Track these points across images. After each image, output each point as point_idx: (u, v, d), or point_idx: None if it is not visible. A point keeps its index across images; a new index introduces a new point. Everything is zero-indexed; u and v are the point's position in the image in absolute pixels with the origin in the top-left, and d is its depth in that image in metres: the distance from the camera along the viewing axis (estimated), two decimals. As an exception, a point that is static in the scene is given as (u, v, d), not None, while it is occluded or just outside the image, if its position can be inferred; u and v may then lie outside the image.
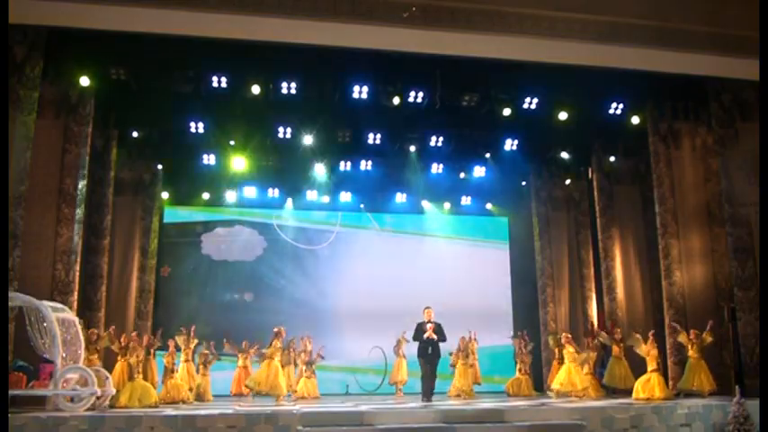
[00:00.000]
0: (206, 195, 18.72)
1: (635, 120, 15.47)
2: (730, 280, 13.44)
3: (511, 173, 18.82)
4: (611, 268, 16.75)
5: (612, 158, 17.13)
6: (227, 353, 15.32)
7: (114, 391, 11.33)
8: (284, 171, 18.10)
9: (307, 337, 15.42)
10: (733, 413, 10.34)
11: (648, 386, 12.72)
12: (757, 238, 12.65)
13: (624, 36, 12.69)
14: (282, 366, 13.14)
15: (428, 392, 12.89)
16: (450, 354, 15.42)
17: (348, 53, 12.71)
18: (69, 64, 13.12)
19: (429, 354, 12.90)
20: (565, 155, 18.11)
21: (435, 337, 12.92)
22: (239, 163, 17.03)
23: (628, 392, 13.35)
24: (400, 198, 19.90)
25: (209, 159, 17.47)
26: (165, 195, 18.39)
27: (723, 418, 10.45)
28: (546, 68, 13.23)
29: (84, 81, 13.28)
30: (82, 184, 13.17)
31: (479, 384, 15.77)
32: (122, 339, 12.95)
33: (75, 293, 12.91)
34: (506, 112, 15.30)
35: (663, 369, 13.41)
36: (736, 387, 10.79)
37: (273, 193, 19.13)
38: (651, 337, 13.32)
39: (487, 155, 18.13)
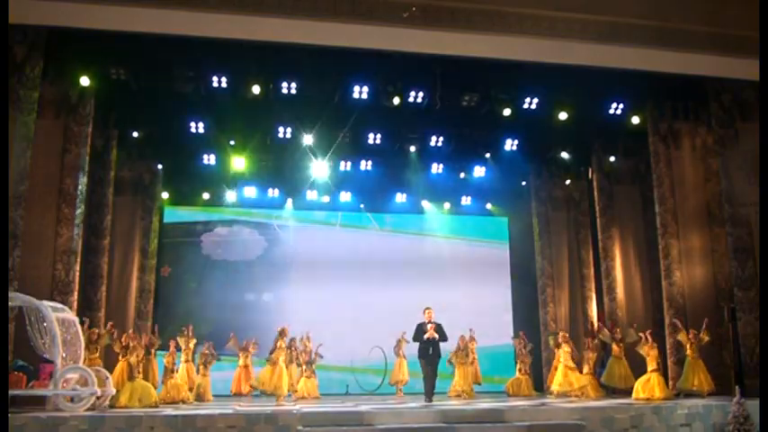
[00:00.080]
0: (206, 195, 18.72)
1: (635, 120, 15.47)
2: (730, 280, 13.44)
3: (511, 173, 18.84)
4: (611, 268, 16.75)
5: (612, 158, 17.14)
6: (228, 351, 15.31)
7: (114, 391, 11.32)
8: (284, 171, 18.11)
9: (306, 336, 15.42)
10: (733, 413, 10.34)
11: (648, 386, 12.74)
12: (757, 238, 12.66)
13: (624, 36, 12.69)
14: (286, 366, 13.15)
15: (429, 393, 12.88)
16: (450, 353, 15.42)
17: (348, 53, 12.71)
18: (69, 64, 13.12)
19: (430, 354, 12.89)
20: (565, 155, 18.12)
21: (437, 336, 12.90)
22: (239, 163, 17.03)
23: (627, 392, 13.35)
24: (400, 198, 19.89)
25: (209, 159, 17.48)
26: (165, 195, 18.38)
27: (723, 419, 10.46)
28: (546, 68, 13.23)
29: (85, 81, 13.29)
30: (82, 184, 13.17)
31: (480, 384, 15.77)
32: (123, 339, 12.95)
33: (75, 293, 12.91)
34: (506, 112, 15.31)
35: (663, 369, 13.42)
36: (736, 387, 10.80)
37: (273, 193, 19.13)
38: (650, 338, 13.33)
39: (487, 155, 18.14)
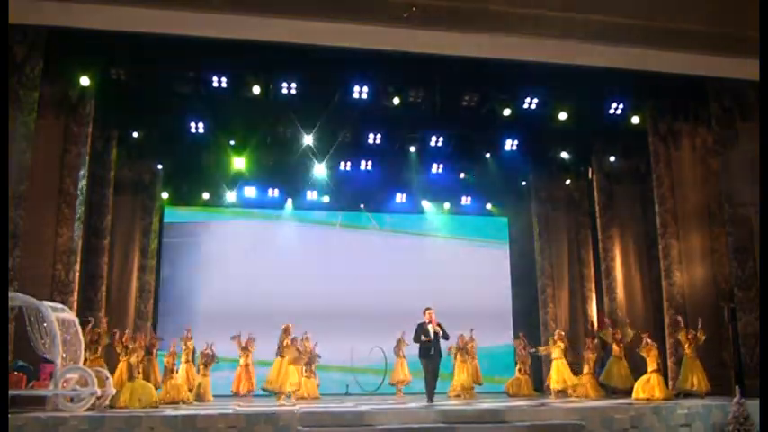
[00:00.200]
0: (206, 195, 18.71)
1: (635, 120, 15.47)
2: (730, 280, 13.44)
3: (511, 173, 18.85)
4: (611, 268, 16.76)
5: (612, 158, 17.14)
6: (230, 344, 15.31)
7: (114, 391, 11.32)
8: (284, 171, 18.10)
9: (305, 336, 15.40)
10: (733, 413, 10.34)
11: (648, 386, 12.75)
12: (757, 238, 12.65)
13: (624, 36, 12.68)
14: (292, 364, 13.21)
15: (431, 393, 12.82)
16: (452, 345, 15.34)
17: (348, 53, 12.70)
18: (69, 64, 13.11)
19: (431, 354, 12.84)
20: (565, 155, 18.11)
21: (441, 332, 12.85)
22: (239, 163, 17.02)
23: (627, 393, 13.36)
24: (400, 198, 19.89)
25: (209, 159, 17.46)
26: (165, 195, 18.38)
27: (723, 419, 10.45)
28: (546, 68, 13.23)
29: (85, 81, 13.28)
30: (82, 184, 13.17)
31: (480, 384, 15.76)
32: (123, 339, 12.96)
33: (75, 293, 12.91)
34: (506, 112, 15.34)
35: (663, 369, 13.42)
36: (736, 387, 10.80)
37: (273, 193, 19.13)
38: (649, 340, 13.34)
39: (487, 155, 18.13)
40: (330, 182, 18.29)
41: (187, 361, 14.38)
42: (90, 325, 12.61)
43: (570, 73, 13.40)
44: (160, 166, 17.77)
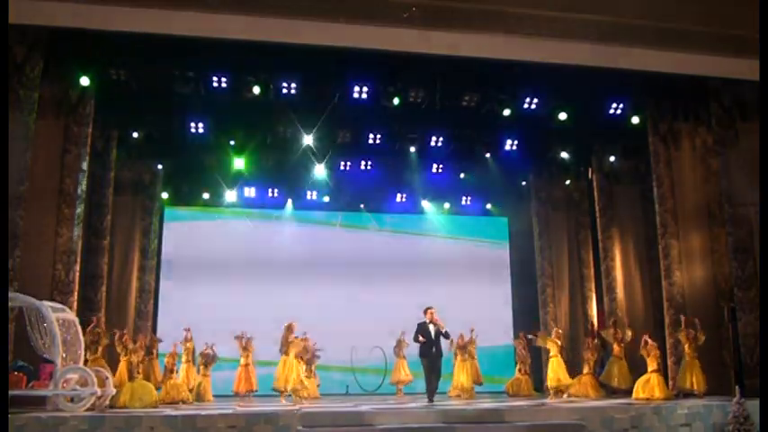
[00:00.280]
0: (206, 195, 18.71)
1: (635, 120, 15.48)
2: (730, 280, 13.43)
3: (511, 173, 18.85)
4: (611, 268, 16.75)
5: (612, 158, 17.14)
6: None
7: (114, 391, 11.31)
8: (284, 171, 18.10)
9: (305, 337, 15.38)
10: (733, 413, 10.35)
11: (648, 386, 12.75)
12: (757, 238, 12.64)
13: (624, 36, 12.67)
14: (300, 361, 13.23)
15: (432, 393, 12.80)
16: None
17: (348, 53, 12.68)
18: (69, 64, 13.11)
19: (433, 353, 12.83)
20: (565, 155, 18.11)
21: (444, 330, 12.84)
22: (239, 163, 17.02)
23: (627, 393, 13.36)
24: (400, 198, 19.90)
25: (209, 160, 17.46)
26: (165, 195, 18.39)
27: (723, 418, 10.46)
28: (546, 68, 13.21)
29: (85, 81, 13.28)
30: (82, 184, 13.16)
31: (480, 384, 15.75)
32: (124, 340, 12.96)
33: (75, 294, 12.91)
34: (506, 112, 15.35)
35: (663, 369, 13.42)
36: (737, 387, 10.80)
37: (273, 193, 19.13)
38: (649, 340, 13.35)
39: (487, 155, 18.12)
40: (330, 182, 18.29)
41: (187, 361, 14.37)
42: (92, 325, 12.61)
43: (570, 73, 13.38)
44: (160, 167, 17.78)
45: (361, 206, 19.77)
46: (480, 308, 18.39)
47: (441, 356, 13.00)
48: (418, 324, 12.99)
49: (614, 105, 15.33)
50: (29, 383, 10.72)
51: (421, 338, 12.84)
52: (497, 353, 18.24)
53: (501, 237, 20.43)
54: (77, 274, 13.01)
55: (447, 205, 20.19)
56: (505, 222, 20.53)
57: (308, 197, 19.14)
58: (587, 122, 16.06)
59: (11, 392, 9.90)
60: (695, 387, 12.67)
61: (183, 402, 13.05)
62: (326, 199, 19.26)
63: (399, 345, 16.21)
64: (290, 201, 19.35)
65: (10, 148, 10.53)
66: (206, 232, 18.85)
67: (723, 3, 13.00)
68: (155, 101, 14.80)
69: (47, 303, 10.78)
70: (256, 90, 14.26)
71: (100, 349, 12.65)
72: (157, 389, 12.78)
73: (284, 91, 14.48)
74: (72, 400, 10.41)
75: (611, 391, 14.34)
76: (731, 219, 13.27)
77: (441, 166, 18.67)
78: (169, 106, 15.11)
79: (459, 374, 15.30)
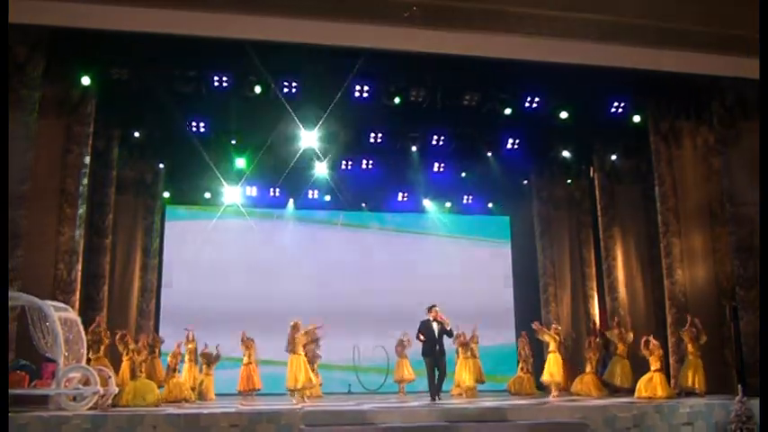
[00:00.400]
0: (207, 195, 18.71)
1: (636, 119, 15.48)
2: (732, 279, 13.43)
3: (512, 172, 18.84)
4: (613, 267, 16.75)
5: (614, 157, 17.12)
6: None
7: (116, 389, 11.33)
8: (286, 170, 18.07)
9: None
10: (735, 412, 10.35)
11: (651, 385, 12.76)
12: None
13: (625, 35, 12.65)
14: (309, 360, 13.27)
15: (437, 391, 12.75)
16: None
17: (349, 52, 12.71)
18: (71, 64, 13.12)
19: (436, 351, 12.81)
20: (566, 154, 18.11)
21: (448, 328, 12.83)
22: (241, 162, 17.04)
23: (630, 391, 13.37)
24: (402, 197, 19.88)
25: (210, 159, 17.44)
26: (166, 195, 18.40)
27: (725, 417, 10.46)
28: (547, 67, 13.21)
29: (86, 81, 13.30)
30: (83, 183, 13.17)
31: (483, 383, 15.74)
32: (125, 339, 12.96)
33: (78, 293, 12.92)
34: (507, 111, 15.36)
35: (665, 368, 13.42)
36: (739, 386, 10.80)
37: (275, 192, 19.13)
38: (651, 340, 13.35)
39: (489, 154, 18.12)
40: (331, 181, 18.29)
41: (190, 360, 14.37)
42: (93, 325, 12.62)
43: (571, 72, 13.38)
44: (162, 166, 17.79)
45: (363, 205, 19.76)
46: (482, 307, 18.35)
47: (444, 355, 12.98)
48: (421, 322, 12.99)
49: (615, 104, 15.33)
50: (31, 382, 10.70)
51: (421, 337, 12.84)
52: (499, 351, 18.25)
53: (502, 236, 20.42)
54: (79, 273, 13.02)
55: (448, 204, 20.17)
56: (507, 221, 20.52)
57: (310, 196, 19.13)
58: (588, 121, 16.07)
59: (13, 391, 9.93)
60: (696, 386, 12.67)
61: (186, 401, 13.06)
62: (328, 198, 19.24)
63: (401, 344, 16.22)
64: (291, 200, 19.34)
65: (12, 147, 10.55)
66: (207, 231, 18.77)
67: (724, 2, 13.00)
68: (156, 100, 14.76)
69: (49, 302, 10.80)
70: (258, 89, 14.27)
71: (102, 348, 12.66)
72: (160, 388, 12.80)
73: (285, 90, 14.48)
74: (74, 399, 10.43)
75: (613, 390, 14.33)
76: (733, 218, 13.26)
77: (442, 165, 18.68)
78: (170, 105, 15.07)
79: (461, 373, 15.28)
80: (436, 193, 19.79)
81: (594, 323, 17.41)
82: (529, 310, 18.90)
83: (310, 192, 19.03)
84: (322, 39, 12.03)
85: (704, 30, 12.88)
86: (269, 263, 18.88)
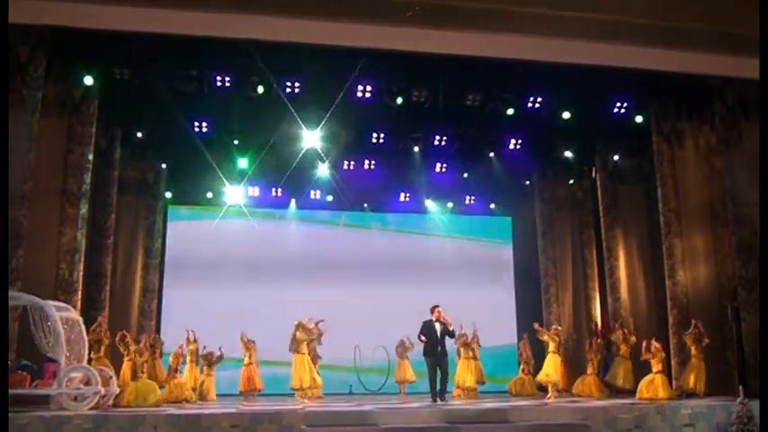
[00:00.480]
0: (209, 195, 18.72)
1: (638, 119, 15.47)
2: (734, 280, 13.38)
3: (514, 172, 18.85)
4: (615, 268, 16.73)
5: (616, 158, 17.12)
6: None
7: (117, 390, 11.33)
8: (288, 170, 18.07)
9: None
10: (737, 413, 10.32)
11: (652, 386, 12.74)
12: (761, 238, 12.62)
13: (628, 35, 12.62)
14: (312, 359, 13.28)
15: (441, 392, 12.65)
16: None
17: (352, 52, 12.70)
18: (73, 64, 13.14)
19: (437, 352, 12.79)
20: (568, 154, 18.10)
21: (451, 327, 12.83)
22: (243, 162, 17.04)
23: (632, 392, 13.35)
24: (404, 197, 19.90)
25: (212, 159, 17.45)
26: (168, 195, 18.42)
27: (727, 419, 10.43)
28: (549, 68, 13.18)
29: (88, 81, 13.33)
30: (85, 183, 13.19)
31: (484, 383, 15.74)
32: (126, 340, 12.97)
33: (79, 293, 12.95)
34: (510, 111, 15.34)
35: (667, 370, 13.40)
36: (740, 387, 10.77)
37: (277, 192, 19.14)
38: (654, 343, 13.33)
39: (491, 154, 18.12)
40: (333, 181, 18.30)
41: (191, 361, 14.38)
42: (94, 325, 12.63)
43: (573, 72, 13.35)
44: (164, 166, 17.82)
45: (365, 205, 19.77)
46: (483, 307, 18.31)
47: (446, 356, 12.92)
48: (423, 322, 12.95)
49: (618, 104, 15.32)
50: (32, 382, 10.70)
51: (423, 338, 12.82)
52: (500, 352, 18.23)
53: (504, 236, 20.41)
54: (81, 273, 13.05)
55: (450, 205, 20.18)
56: (509, 222, 20.52)
57: (312, 196, 19.16)
58: (591, 122, 16.07)
59: (15, 391, 9.93)
60: (696, 387, 12.65)
61: (187, 401, 13.05)
62: (330, 198, 19.27)
63: (402, 345, 16.21)
64: (293, 200, 19.36)
65: (14, 147, 10.55)
66: (209, 231, 18.77)
67: (725, 1, 12.97)
68: (158, 100, 14.78)
69: (51, 302, 10.80)
70: (260, 89, 14.28)
71: (103, 348, 12.67)
72: (161, 388, 12.80)
73: (288, 90, 14.49)
74: (76, 398, 10.43)
75: (615, 391, 14.33)
76: (735, 218, 13.23)
77: (444, 165, 18.68)
78: (172, 105, 15.08)
79: (462, 374, 15.26)
80: (438, 193, 19.80)
81: (596, 324, 17.40)
82: (530, 310, 18.89)
83: (312, 192, 19.05)
84: (324, 39, 12.02)
85: (707, 29, 12.84)
86: (271, 263, 18.87)
